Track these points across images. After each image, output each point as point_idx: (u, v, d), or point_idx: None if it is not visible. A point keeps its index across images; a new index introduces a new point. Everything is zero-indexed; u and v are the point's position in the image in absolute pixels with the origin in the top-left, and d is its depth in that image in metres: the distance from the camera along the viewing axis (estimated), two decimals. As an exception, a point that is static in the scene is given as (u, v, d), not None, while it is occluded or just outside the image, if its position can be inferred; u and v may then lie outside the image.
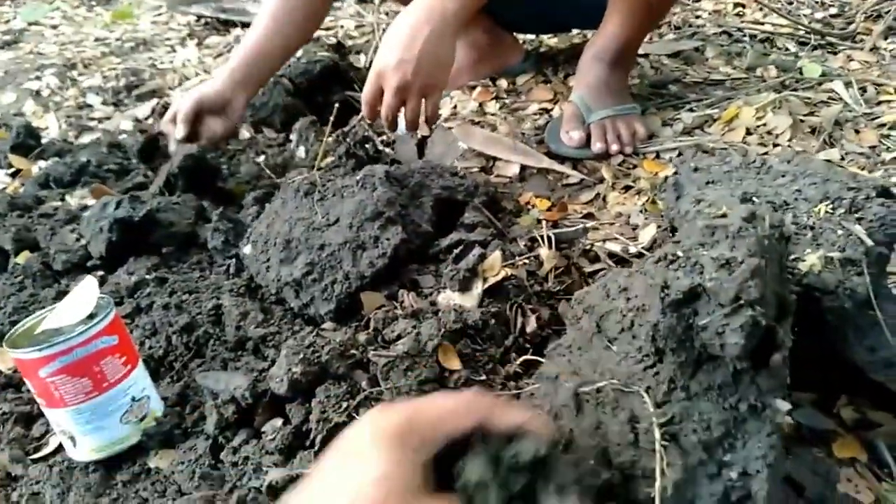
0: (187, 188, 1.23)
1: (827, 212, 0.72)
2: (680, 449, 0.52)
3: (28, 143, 1.59)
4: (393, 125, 1.15)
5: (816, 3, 1.94)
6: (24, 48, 2.47)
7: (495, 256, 0.87)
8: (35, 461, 0.79)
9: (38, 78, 2.13)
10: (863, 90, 1.41)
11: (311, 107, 1.68)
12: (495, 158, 1.33)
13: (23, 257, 1.11)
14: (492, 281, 0.85)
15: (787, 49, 1.73)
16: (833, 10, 1.90)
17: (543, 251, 0.93)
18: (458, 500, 0.44)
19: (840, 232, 0.69)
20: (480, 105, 1.55)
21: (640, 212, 1.11)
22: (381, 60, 1.09)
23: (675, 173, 0.93)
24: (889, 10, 1.77)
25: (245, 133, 1.66)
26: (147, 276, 1.00)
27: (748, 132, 1.29)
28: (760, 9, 1.95)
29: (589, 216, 1.14)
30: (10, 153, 1.53)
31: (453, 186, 1.05)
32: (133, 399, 0.76)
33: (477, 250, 0.87)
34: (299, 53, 1.90)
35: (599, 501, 0.50)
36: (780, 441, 0.52)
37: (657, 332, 0.53)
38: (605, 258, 0.98)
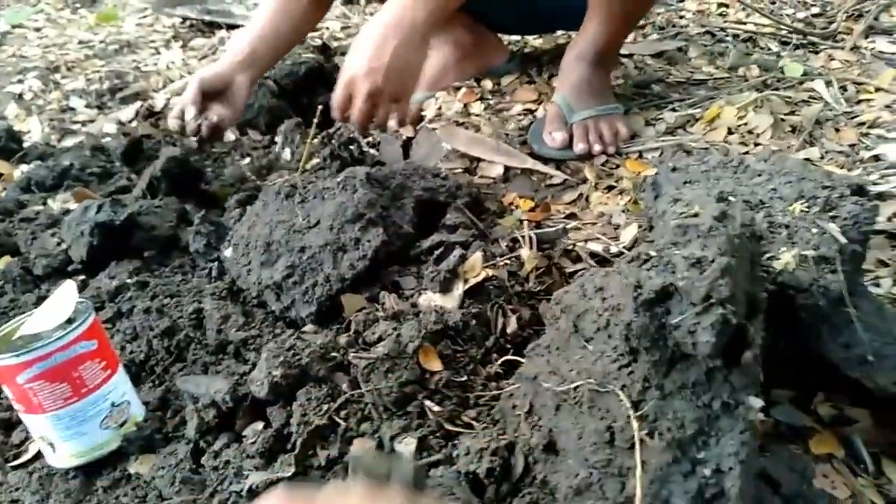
0: (170, 191, 1.23)
1: (802, 210, 0.72)
2: (655, 447, 0.53)
3: (10, 146, 1.58)
4: (364, 130, 1.16)
5: (798, 2, 1.96)
6: (7, 51, 2.46)
7: (476, 257, 0.87)
8: (14, 468, 0.78)
9: (20, 81, 2.12)
10: (843, 89, 1.42)
11: (296, 108, 1.68)
12: (479, 159, 1.33)
13: (3, 262, 1.11)
14: (473, 282, 0.85)
15: (769, 49, 1.75)
16: (815, 10, 1.91)
17: (524, 252, 0.94)
18: None
19: (814, 230, 0.70)
20: (465, 106, 1.55)
21: (623, 212, 1.12)
22: (351, 67, 1.11)
23: (656, 172, 0.93)
24: (870, 10, 1.79)
25: (230, 135, 1.66)
26: (128, 281, 0.99)
27: (730, 131, 1.30)
28: (743, 9, 1.97)
29: (572, 216, 1.14)
30: (-8, 157, 1.53)
31: (435, 187, 1.05)
32: (113, 404, 0.76)
33: (458, 251, 0.88)
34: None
35: None
36: (752, 438, 0.53)
37: (631, 331, 0.53)
38: (587, 258, 0.99)
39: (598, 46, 1.35)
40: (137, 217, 1.07)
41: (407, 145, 1.45)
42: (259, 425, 0.75)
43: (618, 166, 1.27)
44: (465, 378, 0.77)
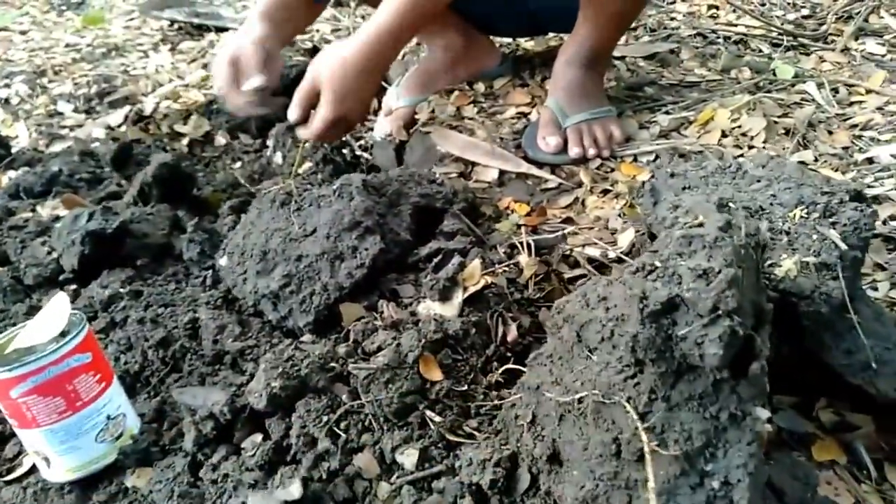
0: (162, 198, 1.21)
1: (802, 216, 0.73)
2: (662, 459, 0.52)
3: (-3, 152, 1.56)
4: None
5: (788, 4, 1.97)
6: (-8, 55, 2.43)
7: (475, 265, 0.87)
8: (8, 483, 0.77)
9: (7, 85, 2.09)
10: (835, 91, 1.43)
11: (287, 113, 1.67)
12: (474, 163, 1.32)
13: (-7, 272, 1.09)
14: (472, 290, 0.84)
15: (760, 50, 1.75)
16: (805, 12, 1.92)
17: (523, 258, 0.93)
18: None
19: (815, 236, 0.70)
20: (458, 109, 1.55)
21: (619, 216, 1.11)
22: (311, 86, 1.14)
23: (652, 177, 0.93)
24: (859, 12, 1.80)
25: (220, 139, 1.64)
26: (121, 290, 0.98)
27: (724, 134, 1.30)
28: (734, 10, 1.97)
29: (568, 221, 1.14)
30: (-21, 164, 1.50)
31: (431, 194, 1.05)
32: (108, 417, 0.75)
33: (456, 259, 0.87)
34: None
35: None
36: (760, 449, 0.52)
37: (637, 342, 0.53)
38: (585, 263, 0.98)
39: (590, 49, 1.35)
40: (129, 225, 1.05)
41: (400, 149, 1.44)
42: (258, 437, 0.74)
43: (612, 170, 1.27)
44: (465, 387, 0.76)
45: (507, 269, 0.92)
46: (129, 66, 2.23)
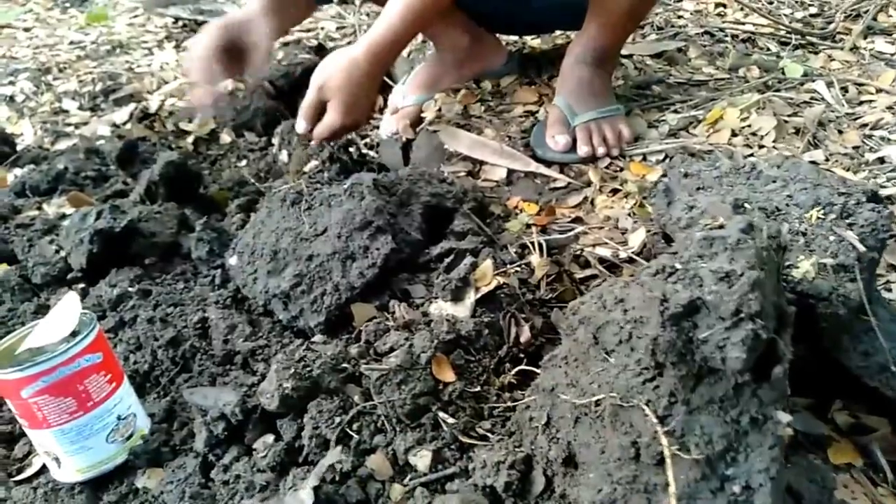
0: (169, 196, 1.21)
1: (819, 217, 0.72)
2: (683, 463, 0.52)
3: (2, 150, 1.55)
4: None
5: (796, 2, 1.96)
6: (-4, 52, 2.42)
7: (487, 265, 0.86)
8: (18, 483, 0.77)
9: (11, 83, 2.08)
10: (844, 90, 1.42)
11: (292, 110, 1.66)
12: (482, 162, 1.32)
13: (0, 270, 1.08)
14: (484, 290, 0.84)
15: (768, 49, 1.75)
16: (813, 10, 1.91)
17: (534, 258, 0.93)
18: None
19: (832, 238, 0.70)
20: (465, 108, 1.54)
21: (629, 215, 1.11)
22: (316, 97, 1.15)
23: (664, 176, 0.92)
24: (868, 10, 1.79)
25: (226, 137, 1.64)
26: (130, 289, 0.98)
27: (733, 133, 1.29)
28: (741, 9, 1.96)
29: (577, 220, 1.13)
30: (-16, 161, 1.50)
31: (442, 193, 1.04)
32: (119, 417, 0.74)
33: (468, 259, 0.86)
34: (280, 55, 1.88)
35: None
36: (781, 453, 0.52)
37: (657, 345, 0.52)
38: (596, 264, 0.98)
39: (598, 48, 1.34)
40: (137, 223, 1.05)
41: (406, 148, 1.43)
42: (270, 438, 0.74)
43: (622, 169, 1.26)
44: (478, 389, 0.76)
45: (518, 269, 0.91)
46: (133, 64, 2.22)
